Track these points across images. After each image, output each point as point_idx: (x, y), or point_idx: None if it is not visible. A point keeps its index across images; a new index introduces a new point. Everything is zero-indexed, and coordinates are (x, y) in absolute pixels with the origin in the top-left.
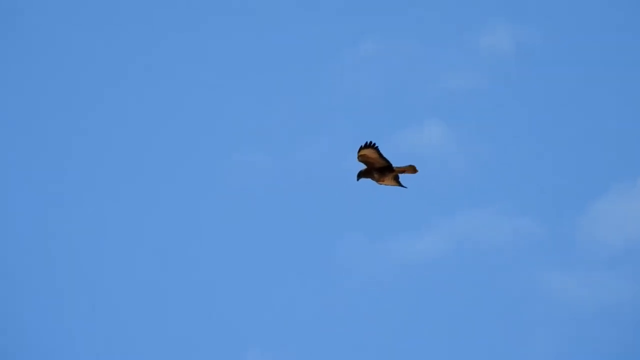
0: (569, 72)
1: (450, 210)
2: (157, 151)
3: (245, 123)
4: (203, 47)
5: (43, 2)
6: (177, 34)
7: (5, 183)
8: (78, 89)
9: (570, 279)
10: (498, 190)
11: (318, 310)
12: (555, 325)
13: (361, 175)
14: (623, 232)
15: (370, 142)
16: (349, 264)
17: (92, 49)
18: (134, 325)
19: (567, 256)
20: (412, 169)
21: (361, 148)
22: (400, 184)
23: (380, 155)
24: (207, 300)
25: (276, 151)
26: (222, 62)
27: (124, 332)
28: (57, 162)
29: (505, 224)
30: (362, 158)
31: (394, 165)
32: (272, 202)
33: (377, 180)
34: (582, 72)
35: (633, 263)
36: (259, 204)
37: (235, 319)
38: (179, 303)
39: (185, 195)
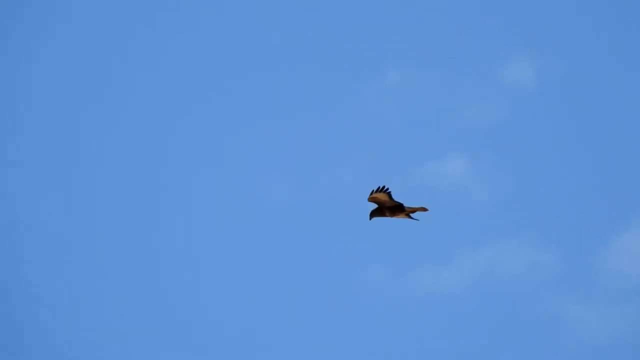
0: (592, 105)
1: (472, 242)
2: (178, 179)
3: (268, 153)
4: (230, 77)
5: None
6: (205, 66)
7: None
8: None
9: (589, 312)
10: (520, 223)
11: (343, 341)
12: (575, 357)
13: (374, 214)
14: None
15: (383, 187)
16: (373, 295)
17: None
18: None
19: (587, 289)
20: (423, 209)
21: (373, 192)
22: (412, 217)
23: (391, 197)
24: (230, 326)
25: (298, 181)
26: (246, 91)
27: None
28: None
29: (527, 257)
30: (372, 199)
31: (405, 205)
32: (295, 233)
33: (388, 217)
34: (605, 105)
35: None
36: (283, 234)
37: (256, 352)
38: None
39: (207, 227)
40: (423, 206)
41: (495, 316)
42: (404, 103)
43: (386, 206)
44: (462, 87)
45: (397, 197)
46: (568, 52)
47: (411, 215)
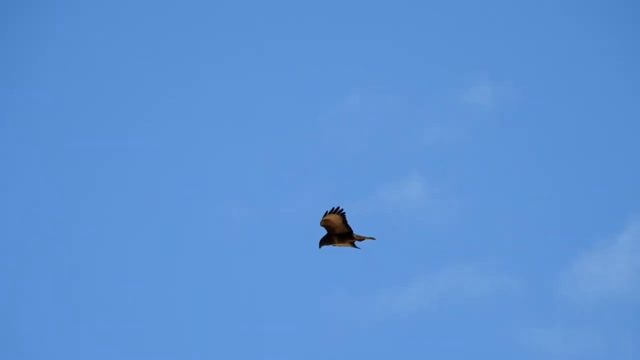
0: (548, 128)
1: (431, 266)
2: (135, 200)
3: (227, 177)
4: (188, 100)
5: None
6: (165, 88)
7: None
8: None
9: (550, 336)
10: (480, 246)
11: None
12: None
13: (323, 242)
14: (601, 287)
15: (338, 208)
16: (332, 318)
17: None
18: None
19: (547, 312)
20: (371, 239)
21: (327, 213)
22: (354, 246)
23: (345, 222)
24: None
25: (258, 206)
26: (205, 116)
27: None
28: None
29: (487, 280)
30: (325, 223)
31: (355, 233)
32: (254, 257)
33: (335, 245)
34: (561, 127)
35: (610, 318)
36: (242, 259)
37: None
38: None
39: (165, 252)
40: (372, 236)
41: (454, 340)
42: (363, 126)
43: (336, 232)
44: (421, 110)
45: (355, 221)
46: (525, 77)
47: (356, 244)
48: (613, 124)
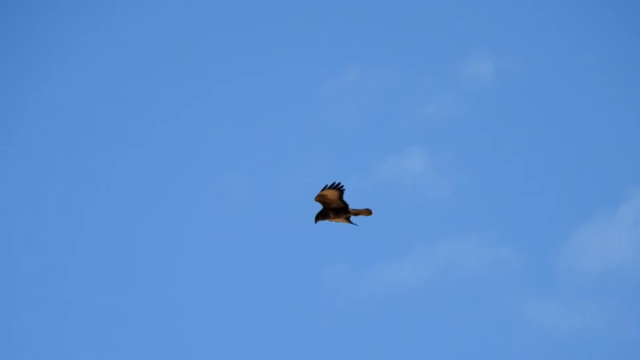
0: (549, 101)
1: (431, 239)
2: (139, 177)
3: (227, 151)
4: (187, 73)
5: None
6: (165, 65)
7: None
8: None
9: (549, 308)
10: (479, 219)
11: (302, 338)
12: (534, 352)
13: (319, 217)
14: (602, 260)
15: (338, 184)
16: (332, 291)
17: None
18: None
19: (547, 285)
20: (367, 212)
21: (325, 188)
22: (351, 222)
23: (341, 197)
24: (188, 332)
25: (257, 179)
26: (205, 90)
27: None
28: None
29: (486, 253)
30: (320, 198)
31: (350, 207)
32: (254, 232)
33: (331, 220)
34: (563, 100)
35: (610, 290)
36: (242, 233)
37: (216, 351)
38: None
39: (166, 226)
40: (368, 208)
41: (454, 312)
42: (362, 100)
43: (331, 207)
44: (422, 84)
45: (355, 194)
46: (526, 49)
47: (352, 219)
48: (614, 97)
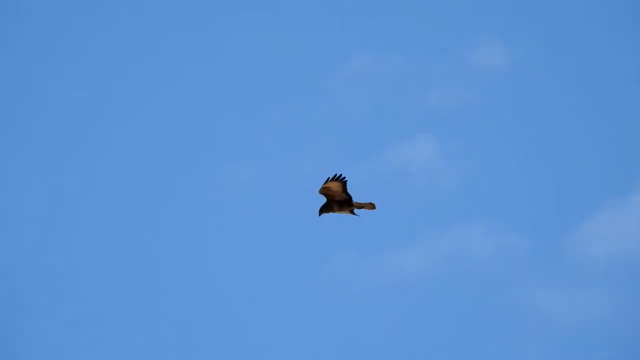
0: (560, 88)
1: (440, 226)
2: (146, 162)
3: (235, 138)
4: (197, 59)
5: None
6: (170, 53)
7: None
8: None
9: (557, 295)
10: (488, 207)
11: (310, 325)
12: (542, 340)
13: (323, 210)
14: (611, 248)
15: (340, 176)
16: (338, 279)
17: (90, 58)
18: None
19: (556, 273)
20: (371, 206)
21: (328, 180)
22: (355, 214)
23: (345, 189)
24: (192, 319)
25: (266, 167)
26: (214, 77)
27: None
28: (56, 168)
29: (495, 241)
30: (324, 191)
31: (354, 200)
32: (262, 219)
33: (335, 212)
34: (573, 88)
35: (620, 279)
36: (249, 220)
37: (222, 338)
38: (167, 320)
39: (173, 211)
40: (371, 202)
41: (463, 300)
42: (371, 87)
43: (335, 199)
44: (430, 72)
45: (364, 181)
46: (536, 36)
47: (355, 211)
48: (625, 83)
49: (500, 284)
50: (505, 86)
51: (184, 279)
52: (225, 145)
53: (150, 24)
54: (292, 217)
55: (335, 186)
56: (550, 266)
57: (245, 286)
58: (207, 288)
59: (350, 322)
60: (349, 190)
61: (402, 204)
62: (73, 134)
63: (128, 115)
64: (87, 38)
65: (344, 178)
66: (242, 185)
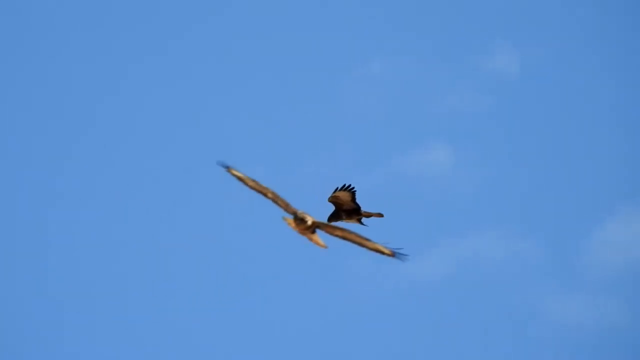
0: (575, 95)
1: (453, 233)
2: (160, 164)
3: (249, 142)
4: (207, 58)
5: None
6: (185, 59)
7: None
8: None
9: (572, 302)
10: (503, 213)
11: (324, 332)
12: (556, 348)
13: (331, 219)
14: (626, 254)
15: (349, 185)
16: (354, 286)
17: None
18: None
19: (570, 279)
20: (379, 215)
21: (337, 190)
22: (362, 223)
23: (354, 199)
24: (204, 314)
25: (280, 172)
26: (229, 81)
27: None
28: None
29: (510, 247)
30: (333, 199)
31: (363, 209)
32: (272, 221)
33: (343, 220)
34: (588, 94)
35: (635, 285)
36: (258, 221)
37: (235, 340)
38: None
39: (187, 211)
40: (379, 212)
41: (477, 306)
42: (385, 92)
43: (343, 208)
44: (445, 77)
45: (378, 187)
46: (552, 42)
47: (363, 220)
48: (638, 88)
49: (515, 290)
50: (520, 92)
51: (195, 283)
52: (236, 148)
53: (173, 28)
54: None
55: (344, 195)
56: (564, 272)
57: (255, 293)
58: (216, 295)
59: (364, 329)
60: (358, 200)
61: (416, 210)
62: (70, 135)
63: (140, 116)
64: (94, 36)
65: (353, 188)
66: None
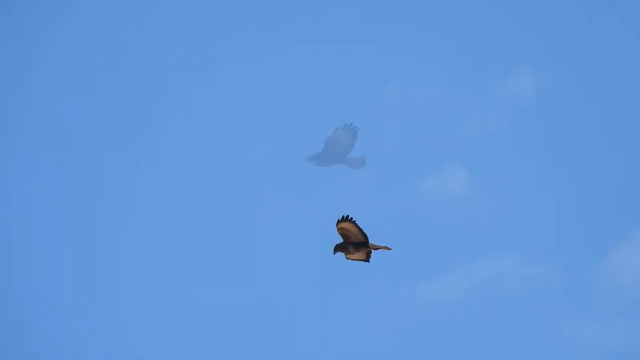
0: (592, 119)
1: (471, 256)
2: (177, 184)
3: (267, 162)
4: (229, 87)
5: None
6: (200, 82)
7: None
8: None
9: (588, 327)
10: (519, 237)
11: (339, 354)
12: None
13: (337, 249)
14: None
15: (347, 217)
16: (370, 309)
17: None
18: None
19: (586, 303)
20: (386, 249)
21: (339, 221)
22: (367, 260)
23: (359, 229)
24: (216, 338)
25: (297, 195)
26: (245, 102)
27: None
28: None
29: (526, 271)
30: (341, 230)
31: (370, 242)
32: (290, 249)
33: (351, 254)
34: (606, 119)
35: None
36: (279, 249)
37: None
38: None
39: (205, 233)
40: (387, 246)
41: (493, 330)
42: (402, 116)
43: (351, 241)
44: (461, 101)
45: (394, 211)
46: (569, 67)
47: (369, 255)
48: None
49: (531, 315)
50: (536, 116)
51: (213, 301)
52: (257, 171)
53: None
54: (321, 244)
55: (350, 227)
56: (580, 297)
57: (275, 312)
58: (232, 315)
59: (379, 350)
60: (370, 228)
61: (432, 234)
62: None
63: (159, 139)
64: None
65: (352, 218)
66: (273, 210)
